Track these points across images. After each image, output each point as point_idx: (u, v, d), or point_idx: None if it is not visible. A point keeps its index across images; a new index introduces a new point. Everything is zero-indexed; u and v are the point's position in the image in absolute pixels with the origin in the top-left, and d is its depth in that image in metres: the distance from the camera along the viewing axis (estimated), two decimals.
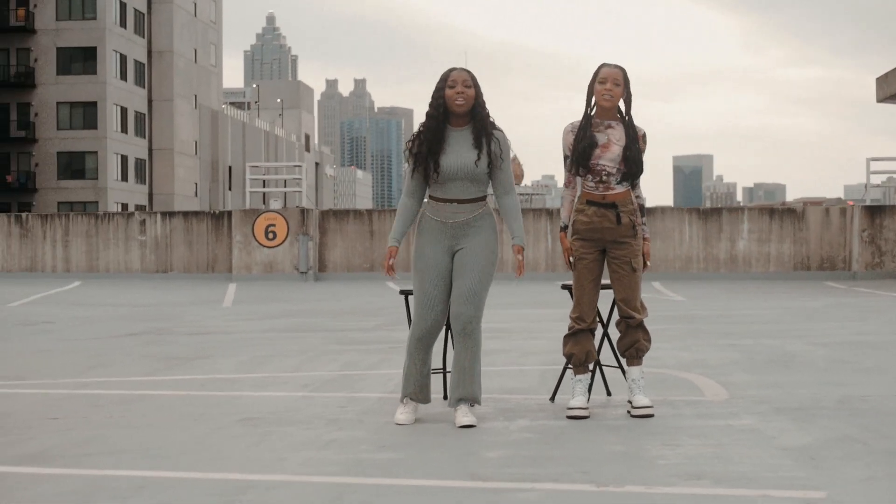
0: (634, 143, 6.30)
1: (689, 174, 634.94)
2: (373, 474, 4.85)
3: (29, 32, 70.00)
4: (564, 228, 6.47)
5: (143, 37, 76.50)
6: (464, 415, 6.01)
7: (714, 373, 8.03)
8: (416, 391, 6.14)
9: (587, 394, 6.29)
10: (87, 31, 70.07)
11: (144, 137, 76.43)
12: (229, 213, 23.81)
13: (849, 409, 6.37)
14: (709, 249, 22.82)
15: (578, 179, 6.38)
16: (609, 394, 6.94)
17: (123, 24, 73.03)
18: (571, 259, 6.38)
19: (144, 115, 76.88)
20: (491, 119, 6.11)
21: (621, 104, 6.35)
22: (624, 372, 6.53)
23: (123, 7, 73.15)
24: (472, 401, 6.05)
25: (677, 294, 18.35)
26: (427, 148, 6.02)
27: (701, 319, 13.24)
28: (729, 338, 10.70)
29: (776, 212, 23.18)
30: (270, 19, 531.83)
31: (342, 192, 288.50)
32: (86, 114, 70.49)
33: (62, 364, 9.39)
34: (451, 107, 6.01)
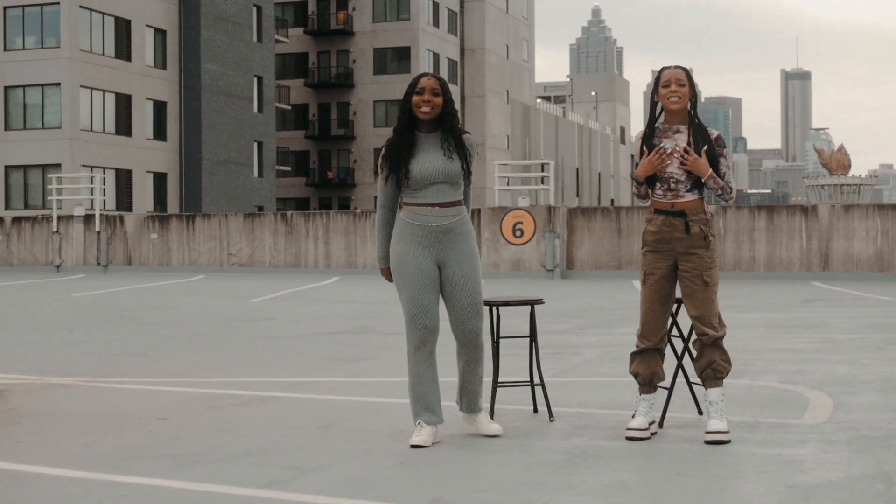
0: (701, 143, 5.96)
1: None
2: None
3: (348, 35, 73.30)
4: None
5: (456, 35, 78.49)
6: (489, 422, 6.10)
7: (847, 392, 7.50)
8: (431, 409, 5.91)
9: (649, 414, 6.03)
10: (401, 32, 72.62)
11: None
12: (478, 210, 24.10)
13: None
14: None
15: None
16: (700, 412, 6.63)
17: (437, 23, 75.17)
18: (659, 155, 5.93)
19: (457, 111, 78.85)
20: (459, 125, 6.07)
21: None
22: (691, 388, 6.23)
23: (436, 7, 75.27)
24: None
25: None
26: (397, 154, 5.93)
27: None
28: None
29: None
30: (595, 12, 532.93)
31: None
32: None
33: (234, 362, 9.87)
34: (417, 113, 5.94)
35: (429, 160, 5.92)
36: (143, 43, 51.56)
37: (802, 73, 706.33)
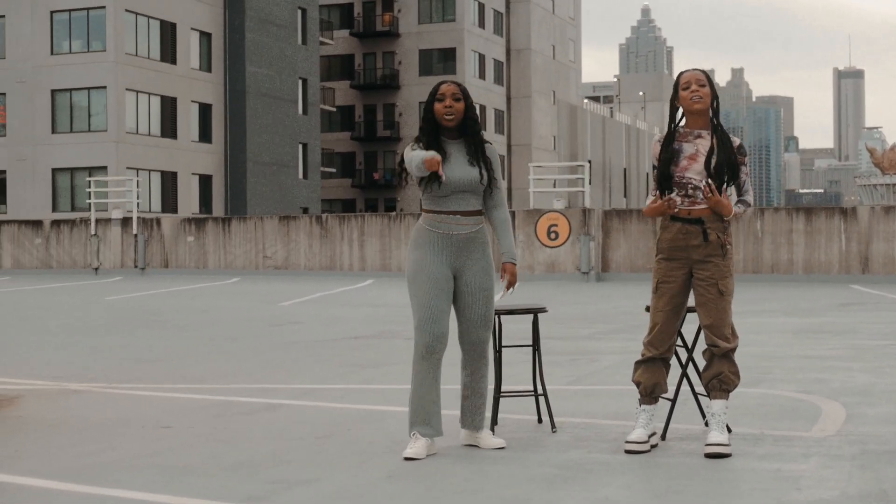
0: (723, 150, 5.82)
1: None
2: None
3: (393, 36, 73.40)
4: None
5: (502, 36, 78.36)
6: (492, 436, 6.02)
7: (862, 402, 7.32)
8: (428, 421, 5.80)
9: (650, 426, 5.90)
10: (447, 33, 72.60)
11: (503, 134, 78.30)
12: (512, 212, 23.97)
13: None
14: None
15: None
16: (707, 424, 6.48)
17: (482, 24, 75.10)
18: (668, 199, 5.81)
19: (503, 112, 78.78)
20: (481, 132, 6.00)
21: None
22: (697, 398, 6.08)
23: (482, 8, 75.20)
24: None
25: None
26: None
27: None
28: None
29: None
30: (645, 11, 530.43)
31: None
32: None
33: (252, 368, 9.84)
34: (441, 121, 5.88)
35: (455, 168, 5.85)
36: (189, 46, 51.88)
37: (855, 71, 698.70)
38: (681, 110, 5.99)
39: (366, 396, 8.10)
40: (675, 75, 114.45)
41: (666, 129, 6.07)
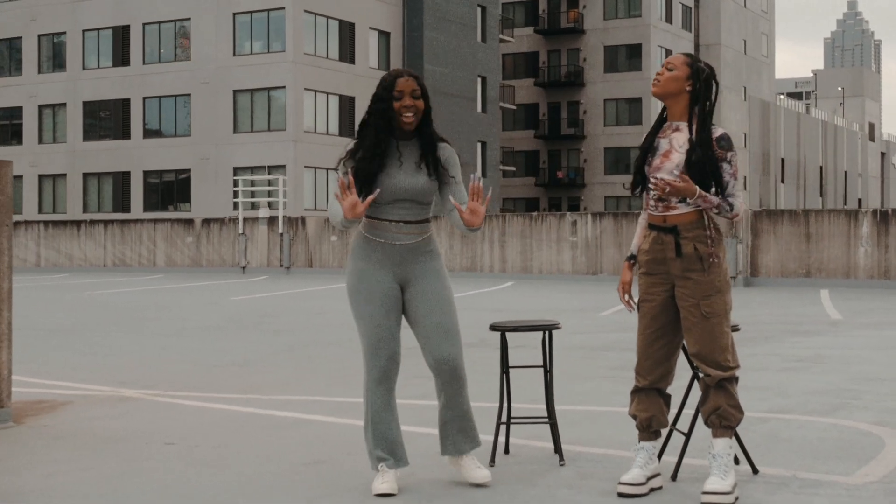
0: (702, 148, 4.94)
1: None
2: None
3: (578, 33, 72.62)
4: (630, 258, 5.26)
5: (690, 31, 76.56)
6: (476, 467, 5.28)
7: None
8: (391, 451, 5.16)
9: (648, 466, 5.15)
10: (633, 29, 71.43)
11: None
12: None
13: None
14: None
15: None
16: (737, 461, 5.71)
17: (669, 19, 73.62)
18: (629, 298, 5.25)
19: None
20: (436, 132, 5.26)
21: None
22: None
23: (669, 3, 73.71)
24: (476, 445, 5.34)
25: None
26: (367, 166, 5.10)
27: None
28: None
29: None
30: (852, 4, 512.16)
31: None
32: (631, 110, 71.97)
33: (318, 377, 9.45)
34: (399, 123, 5.14)
35: (401, 175, 5.16)
36: (367, 45, 52.26)
37: None
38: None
39: (404, 415, 7.55)
40: (882, 71, 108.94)
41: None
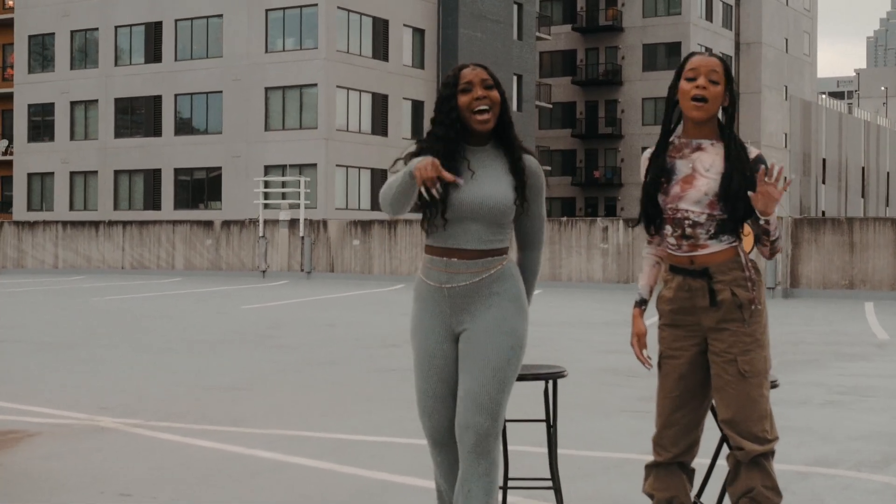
0: (740, 171, 4.00)
1: None
2: None
3: (617, 31, 71.73)
4: (640, 304, 4.27)
5: (731, 29, 75.42)
6: None
7: None
8: None
9: None
10: (672, 27, 70.44)
11: None
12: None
13: None
14: None
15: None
16: None
17: (709, 17, 72.61)
18: (646, 353, 4.29)
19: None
20: (518, 138, 4.14)
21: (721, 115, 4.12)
22: None
23: (710, 0, 72.64)
24: None
25: None
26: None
27: None
28: None
29: None
30: (895, 3, 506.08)
31: None
32: None
33: (316, 406, 8.69)
34: (470, 121, 4.01)
35: (479, 187, 4.03)
36: (401, 42, 51.53)
37: None
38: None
39: (399, 458, 6.77)
40: None
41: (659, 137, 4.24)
